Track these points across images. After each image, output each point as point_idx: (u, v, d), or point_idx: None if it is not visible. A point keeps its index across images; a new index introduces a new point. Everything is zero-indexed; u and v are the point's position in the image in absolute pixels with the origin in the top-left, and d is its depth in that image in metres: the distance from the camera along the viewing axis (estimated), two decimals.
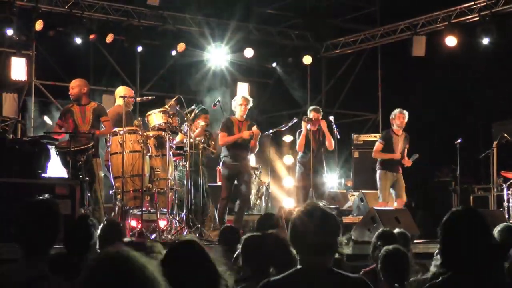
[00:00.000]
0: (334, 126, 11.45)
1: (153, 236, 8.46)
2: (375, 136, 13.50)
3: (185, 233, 8.58)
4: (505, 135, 11.93)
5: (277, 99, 15.04)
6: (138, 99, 9.47)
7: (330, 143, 10.77)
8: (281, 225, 9.07)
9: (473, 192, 12.54)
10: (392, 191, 10.93)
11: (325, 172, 10.98)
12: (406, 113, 10.92)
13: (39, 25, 12.36)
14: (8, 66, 12.80)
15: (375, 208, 10.10)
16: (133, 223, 9.11)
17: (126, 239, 5.08)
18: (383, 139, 11.02)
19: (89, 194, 8.43)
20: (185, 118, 9.12)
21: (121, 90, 9.83)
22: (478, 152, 12.37)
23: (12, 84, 13.00)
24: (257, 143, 10.00)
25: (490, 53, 12.97)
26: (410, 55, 13.70)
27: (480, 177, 13.02)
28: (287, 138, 13.98)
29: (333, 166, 13.44)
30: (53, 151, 8.43)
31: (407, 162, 10.96)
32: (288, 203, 12.87)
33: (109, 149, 8.68)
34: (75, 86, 8.99)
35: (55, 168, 8.72)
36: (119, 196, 8.51)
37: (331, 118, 11.70)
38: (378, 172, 10.96)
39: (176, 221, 8.88)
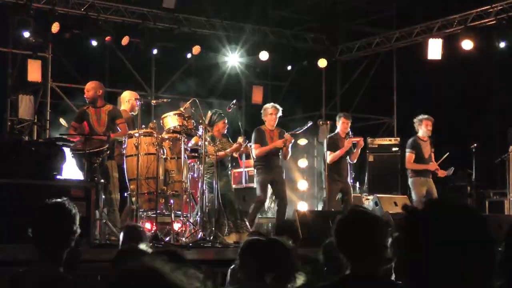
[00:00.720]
0: (349, 129, 11.44)
1: (168, 238, 8.48)
2: (390, 140, 13.48)
3: (199, 236, 8.60)
4: None
5: (292, 103, 15.02)
6: (154, 101, 9.52)
7: (355, 158, 10.96)
8: (295, 228, 9.11)
9: (489, 197, 12.49)
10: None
11: (349, 178, 11.05)
12: (431, 119, 10.88)
13: (55, 27, 12.44)
14: (24, 68, 12.88)
15: (390, 212, 10.08)
16: (148, 225, 9.14)
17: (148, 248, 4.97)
18: (412, 148, 10.92)
19: (103, 196, 8.46)
20: (200, 121, 9.13)
21: (126, 95, 9.89)
22: (494, 157, 12.32)
23: (28, 86, 13.09)
24: (290, 150, 10.18)
25: (507, 57, 12.91)
26: (426, 58, 13.66)
27: (496, 182, 12.95)
28: (302, 141, 13.98)
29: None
30: (68, 153, 8.48)
31: (441, 173, 10.92)
32: (302, 206, 12.88)
33: (124, 152, 8.71)
34: (91, 88, 9.04)
35: (70, 170, 8.77)
36: (134, 199, 8.54)
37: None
38: (411, 179, 10.91)
39: (191, 224, 8.90)
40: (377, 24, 15.51)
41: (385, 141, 13.57)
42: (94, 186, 8.00)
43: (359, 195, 13.11)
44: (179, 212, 8.95)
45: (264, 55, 14.60)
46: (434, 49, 13.54)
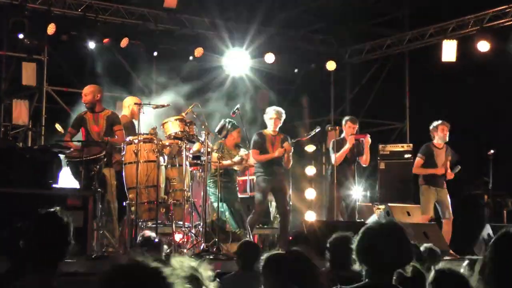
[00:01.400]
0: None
1: (168, 250, 8.47)
2: (402, 146, 13.47)
3: (201, 247, 8.59)
4: None
5: (299, 107, 15.03)
6: (154, 106, 9.51)
7: (367, 160, 10.83)
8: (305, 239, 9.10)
9: (507, 206, 12.43)
10: (438, 208, 10.86)
11: (353, 185, 10.97)
12: (448, 124, 10.87)
13: (51, 29, 12.45)
14: (19, 72, 12.90)
15: (402, 222, 10.06)
16: None
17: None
18: (423, 153, 10.93)
19: (101, 206, 8.46)
20: (202, 127, 9.14)
21: (128, 100, 9.93)
22: None
23: (23, 90, 13.11)
24: (291, 158, 10.16)
25: None
26: (440, 60, 13.64)
27: None
28: (310, 148, 13.97)
29: (357, 177, 13.39)
30: (64, 161, 8.48)
31: (449, 175, 10.90)
32: (310, 216, 12.85)
33: (123, 159, 8.71)
34: (89, 92, 9.05)
35: (67, 178, 8.77)
36: (133, 208, 8.53)
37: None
38: (421, 187, 10.91)
39: (193, 234, 8.89)
40: (389, 25, 15.49)
41: (397, 147, 13.55)
42: (91, 195, 8.00)
43: (370, 204, 13.09)
44: (181, 222, 8.95)
45: (270, 58, 14.60)
46: (449, 51, 13.52)
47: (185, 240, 8.91)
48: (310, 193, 13.71)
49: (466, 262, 5.41)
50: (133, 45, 13.51)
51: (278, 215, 10.36)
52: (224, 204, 9.66)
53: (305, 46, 15.54)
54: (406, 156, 13.34)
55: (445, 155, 10.94)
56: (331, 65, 15.27)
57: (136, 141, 8.58)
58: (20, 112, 12.88)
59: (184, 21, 13.98)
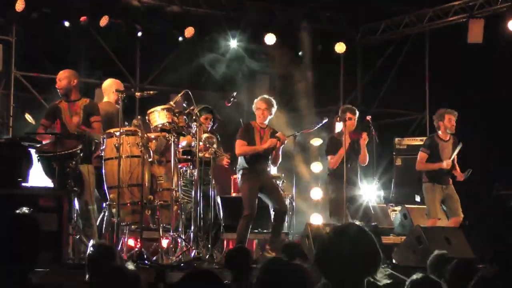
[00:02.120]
0: (372, 128, 11.45)
1: (155, 257, 8.50)
2: (421, 140, 13.47)
3: (192, 254, 8.62)
4: None
5: (303, 95, 15.04)
6: (138, 94, 9.50)
7: (364, 159, 10.79)
8: (307, 245, 9.14)
9: None
10: (444, 208, 10.91)
11: (360, 184, 10.96)
12: (455, 113, 10.89)
13: (19, 5, 12.44)
14: None
15: (422, 226, 10.11)
16: (131, 242, 9.17)
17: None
18: (427, 147, 11.00)
19: (77, 207, 8.48)
20: (194, 118, 9.15)
21: (111, 84, 9.88)
22: None
23: None
24: (279, 154, 10.11)
25: None
26: (465, 42, 13.66)
27: None
28: (316, 142, 14.00)
29: (370, 176, 13.43)
30: (35, 156, 8.50)
31: (459, 176, 10.93)
32: (316, 218, 12.89)
33: (102, 154, 8.72)
34: (63, 78, 9.06)
35: (38, 176, 8.79)
36: (114, 210, 8.55)
37: (369, 118, 11.70)
38: (424, 184, 10.95)
39: (182, 240, 8.92)
40: (407, 0, 15.49)
41: (416, 141, 13.57)
42: (66, 195, 8.03)
43: (384, 205, 13.12)
44: (169, 226, 8.97)
45: (270, 39, 14.61)
46: (475, 31, 13.55)
47: (174, 246, 8.93)
48: (316, 193, 13.75)
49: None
50: (114, 24, 13.51)
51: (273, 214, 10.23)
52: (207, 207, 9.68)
53: (310, 25, 15.54)
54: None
55: (452, 148, 10.95)
56: (340, 47, 15.29)
57: (117, 133, 8.59)
58: None
59: None
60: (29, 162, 8.36)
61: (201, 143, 9.41)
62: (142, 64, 14.81)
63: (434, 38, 15.30)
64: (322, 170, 14.16)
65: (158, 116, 8.92)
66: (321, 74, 15.80)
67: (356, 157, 10.74)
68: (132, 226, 8.91)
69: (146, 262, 8.13)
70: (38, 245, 3.52)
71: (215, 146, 9.89)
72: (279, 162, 10.32)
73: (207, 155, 9.70)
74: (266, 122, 10.13)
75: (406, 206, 12.18)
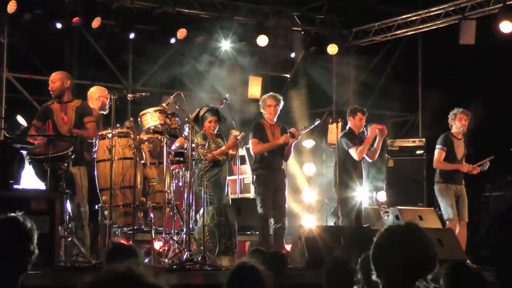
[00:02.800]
0: (364, 129, 11.45)
1: (147, 259, 8.48)
2: (413, 141, 13.51)
3: (184, 256, 8.61)
4: None
5: (296, 97, 15.05)
6: (130, 95, 9.50)
7: (376, 155, 10.95)
8: (300, 247, 9.14)
9: None
10: None
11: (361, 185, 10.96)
12: (469, 113, 10.92)
13: (11, 6, 12.40)
14: None
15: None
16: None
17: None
18: (443, 144, 10.92)
19: (70, 210, 8.46)
20: (186, 119, 9.14)
21: (95, 91, 9.91)
22: None
23: None
24: (291, 150, 10.34)
25: None
26: (457, 43, 13.68)
27: None
28: (308, 143, 14.00)
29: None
30: (26, 158, 8.47)
31: (476, 170, 10.93)
32: (308, 220, 12.89)
33: (94, 156, 8.71)
34: (57, 79, 9.04)
35: (30, 178, 8.76)
36: (106, 212, 8.54)
37: None
38: (438, 185, 10.89)
39: (175, 242, 8.91)
40: (399, 3, 15.51)
41: (408, 142, 13.59)
42: (58, 198, 8.00)
43: (376, 207, 13.14)
44: (161, 228, 8.96)
45: (262, 40, 14.61)
46: (467, 32, 13.56)
47: (167, 248, 8.92)
48: (309, 195, 13.75)
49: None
50: (106, 25, 13.50)
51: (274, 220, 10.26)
52: (215, 209, 9.63)
53: (303, 27, 15.55)
54: (418, 152, 13.38)
55: (464, 147, 10.99)
56: (333, 49, 15.30)
57: (110, 135, 8.58)
58: None
59: None
60: (21, 164, 8.33)
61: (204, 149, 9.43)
62: (134, 65, 14.80)
63: (427, 39, 15.34)
64: (314, 172, 14.17)
65: (151, 118, 8.91)
66: (314, 75, 15.82)
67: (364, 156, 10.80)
68: (125, 228, 8.91)
69: None
70: (31, 248, 3.51)
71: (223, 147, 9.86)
72: (290, 157, 10.51)
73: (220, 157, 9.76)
74: (275, 119, 10.22)
75: (398, 207, 12.17)
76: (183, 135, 9.35)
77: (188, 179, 9.27)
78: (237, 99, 13.90)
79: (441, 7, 14.45)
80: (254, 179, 10.28)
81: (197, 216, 9.45)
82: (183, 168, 9.70)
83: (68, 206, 8.42)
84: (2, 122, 12.96)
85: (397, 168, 13.39)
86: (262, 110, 10.37)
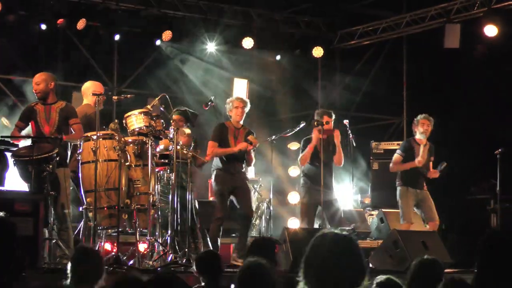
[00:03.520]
0: (349, 132, 11.49)
1: (131, 262, 8.47)
2: (398, 144, 13.50)
3: (169, 258, 8.60)
4: None
5: (282, 99, 15.07)
6: (115, 97, 9.48)
7: (340, 160, 10.76)
8: (284, 250, 9.14)
9: None
10: (419, 212, 10.97)
11: (334, 187, 10.97)
12: (431, 119, 10.97)
13: None
14: None
15: (398, 230, 10.13)
16: (108, 246, 9.12)
17: None
18: (402, 150, 11.11)
19: (53, 211, 8.43)
20: (171, 121, 9.14)
21: (89, 86, 9.87)
22: None
23: None
24: (252, 156, 10.20)
25: None
26: (442, 47, 13.73)
27: None
28: (293, 146, 14.00)
29: (347, 179, 13.46)
30: (11, 160, 8.44)
31: (434, 173, 11.01)
32: (294, 223, 12.90)
33: (79, 158, 8.69)
34: (41, 81, 9.01)
35: (14, 180, 8.73)
36: (91, 214, 8.52)
37: (346, 122, 11.73)
38: (398, 188, 11.02)
39: (159, 244, 8.90)
40: (384, 6, 15.55)
41: (393, 145, 13.61)
42: (42, 199, 7.97)
43: (361, 210, 13.16)
44: (146, 231, 8.95)
45: (248, 42, 14.61)
46: (452, 35, 13.61)
47: (151, 250, 8.89)
48: (294, 197, 13.76)
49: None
50: (91, 27, 13.47)
51: (257, 222, 10.31)
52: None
53: (289, 30, 15.57)
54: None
55: (428, 153, 11.03)
56: (318, 51, 15.32)
57: (94, 137, 8.56)
58: None
59: (150, 0, 13.96)
60: (5, 166, 8.31)
61: (184, 147, 9.43)
62: (119, 67, 14.77)
63: (412, 43, 15.38)
64: (299, 175, 14.17)
65: (136, 120, 8.90)
66: (299, 78, 15.84)
67: (332, 158, 10.73)
68: (109, 230, 8.88)
69: (124, 266, 8.09)
70: (12, 250, 3.49)
71: (191, 148, 9.86)
72: (253, 162, 10.40)
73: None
74: (241, 121, 10.16)
75: (383, 210, 12.21)
76: (168, 137, 9.35)
77: (172, 181, 9.25)
78: (222, 102, 13.88)
79: (427, 9, 14.50)
80: (212, 180, 10.20)
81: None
82: (168, 170, 9.68)
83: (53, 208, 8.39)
84: None
85: (381, 171, 13.41)
86: (228, 112, 10.24)
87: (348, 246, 3.23)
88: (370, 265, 9.67)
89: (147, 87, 14.43)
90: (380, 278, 4.10)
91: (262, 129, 12.28)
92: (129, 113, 8.99)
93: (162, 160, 9.52)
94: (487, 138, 13.09)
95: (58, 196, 8.53)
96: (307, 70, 15.96)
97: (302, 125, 11.04)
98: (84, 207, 8.65)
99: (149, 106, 9.20)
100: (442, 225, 11.73)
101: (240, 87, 14.95)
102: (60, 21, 13.01)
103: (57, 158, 8.39)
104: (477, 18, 13.62)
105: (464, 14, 13.93)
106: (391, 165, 11.16)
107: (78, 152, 8.72)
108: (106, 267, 6.05)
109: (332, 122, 10.75)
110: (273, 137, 11.06)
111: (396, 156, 11.13)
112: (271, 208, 11.75)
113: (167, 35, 13.86)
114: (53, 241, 8.24)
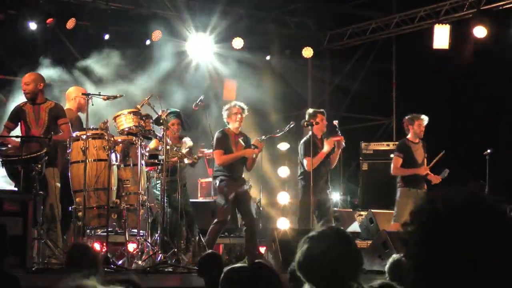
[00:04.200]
0: (339, 132, 11.48)
1: (121, 262, 8.46)
2: (387, 145, 13.57)
3: (158, 258, 8.60)
4: None
5: (271, 99, 15.08)
6: (104, 97, 9.49)
7: (334, 162, 10.90)
8: (274, 249, 9.16)
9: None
10: None
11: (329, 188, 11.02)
12: (425, 118, 11.00)
13: None
14: None
15: (387, 231, 10.16)
16: (97, 246, 9.12)
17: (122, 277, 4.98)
18: (400, 151, 11.07)
19: (42, 211, 8.42)
20: (161, 121, 9.14)
21: (73, 91, 9.90)
22: None
23: None
24: (255, 160, 10.34)
25: None
26: (431, 48, 13.76)
27: None
28: (283, 146, 14.02)
29: (336, 180, 13.48)
30: None
31: (435, 179, 11.03)
32: (283, 223, 12.91)
33: (68, 157, 8.68)
34: (30, 81, 9.00)
35: (3, 180, 8.72)
36: (80, 214, 8.51)
37: (336, 122, 11.72)
38: (400, 189, 11.02)
39: (149, 244, 8.90)
40: (374, 6, 15.59)
41: (382, 146, 13.65)
42: (31, 199, 7.96)
43: (350, 210, 13.18)
44: (135, 230, 8.95)
45: (238, 43, 14.62)
46: (441, 36, 13.65)
47: (140, 250, 8.89)
48: (283, 197, 13.77)
49: None
50: (81, 26, 13.44)
51: (244, 225, 10.35)
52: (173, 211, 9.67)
53: (279, 30, 15.58)
54: (392, 155, 13.44)
55: (423, 151, 11.08)
56: (308, 52, 15.33)
57: (84, 136, 8.56)
58: None
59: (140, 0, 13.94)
60: None
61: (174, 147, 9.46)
62: (108, 66, 14.70)
63: (401, 43, 15.42)
64: (289, 175, 14.19)
65: (125, 119, 8.90)
66: (289, 78, 15.85)
67: (330, 161, 10.82)
68: (98, 230, 8.88)
69: (112, 266, 8.09)
70: (3, 250, 3.50)
71: (183, 151, 9.87)
72: (253, 167, 10.50)
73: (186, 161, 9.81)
74: (240, 127, 10.24)
75: (372, 210, 12.24)
76: (157, 137, 9.36)
77: (162, 181, 9.26)
78: (212, 102, 13.88)
79: (416, 10, 14.53)
80: (217, 185, 10.25)
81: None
82: (157, 170, 9.68)
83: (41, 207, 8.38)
84: None
85: (371, 171, 13.45)
86: (226, 119, 10.26)
87: (346, 242, 3.26)
88: None
89: (136, 87, 14.38)
90: (376, 283, 4.10)
91: (251, 129, 12.28)
92: (118, 113, 9.00)
93: (152, 160, 9.53)
94: (476, 139, 13.14)
95: (47, 196, 8.52)
96: (297, 70, 15.96)
97: (291, 125, 11.06)
98: (73, 206, 8.64)
99: (138, 106, 9.20)
100: None
101: (230, 88, 14.95)
102: (49, 20, 12.99)
103: (46, 158, 8.38)
104: (467, 19, 13.67)
105: (453, 15, 13.98)
106: (392, 169, 11.14)
107: (67, 151, 8.71)
108: None
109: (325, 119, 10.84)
110: (263, 137, 11.06)
111: (396, 159, 11.09)
112: (261, 208, 11.77)
113: (156, 35, 13.84)
114: (42, 241, 8.23)
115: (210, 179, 12.19)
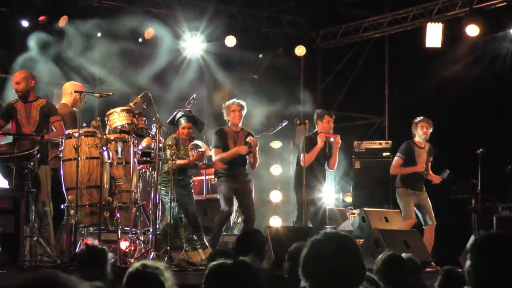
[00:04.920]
0: (331, 130, 11.49)
1: (113, 260, 8.45)
2: (380, 143, 13.60)
3: (151, 256, 8.60)
4: None
5: (264, 98, 15.06)
6: (97, 95, 9.48)
7: (334, 164, 10.98)
8: (267, 248, 9.16)
9: (497, 212, 12.60)
10: (417, 213, 11.03)
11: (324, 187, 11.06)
12: (430, 121, 11.04)
13: None
14: None
15: (380, 229, 10.18)
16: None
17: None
18: (403, 152, 11.13)
19: (34, 209, 8.41)
20: (154, 119, 9.13)
21: (69, 86, 9.88)
22: (504, 164, 12.45)
23: None
24: (257, 157, 10.31)
25: None
26: (424, 46, 13.78)
27: (506, 194, 13.07)
28: (275, 145, 14.02)
29: (329, 178, 13.48)
30: None
31: (435, 179, 11.08)
32: (275, 221, 12.92)
33: (61, 155, 8.67)
34: (21, 79, 8.99)
35: None
36: (72, 212, 8.50)
37: None
38: (397, 190, 11.08)
39: (141, 242, 8.90)
40: (366, 5, 15.59)
41: (375, 144, 13.68)
42: (23, 197, 7.96)
43: (343, 208, 13.19)
44: (127, 228, 8.94)
45: (230, 41, 14.61)
46: (434, 35, 13.66)
47: (133, 248, 8.90)
48: (276, 196, 13.79)
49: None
50: (73, 24, 13.40)
51: (238, 221, 10.39)
52: (177, 206, 9.66)
53: (271, 28, 15.58)
54: (385, 154, 13.48)
55: (427, 155, 11.11)
56: (300, 50, 15.34)
57: (76, 134, 8.55)
58: None
59: None
60: None
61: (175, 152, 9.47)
62: (101, 64, 14.68)
63: (394, 42, 15.43)
64: (281, 173, 14.20)
65: (118, 117, 8.89)
66: (282, 77, 15.84)
67: (326, 160, 10.82)
68: (90, 228, 8.88)
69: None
70: None
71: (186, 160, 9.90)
72: (257, 164, 10.48)
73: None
74: (240, 124, 10.22)
75: (365, 209, 12.24)
76: (150, 135, 9.35)
77: (154, 179, 9.26)
78: (204, 100, 13.89)
79: (409, 9, 14.55)
80: (217, 183, 10.32)
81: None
82: (150, 168, 9.69)
83: (34, 205, 8.38)
84: None
85: (363, 170, 13.47)
86: (225, 117, 10.31)
87: (349, 245, 3.26)
88: None
89: (129, 85, 14.37)
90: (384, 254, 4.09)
91: (243, 128, 12.28)
92: (111, 111, 8.99)
93: (144, 158, 9.52)
94: (469, 137, 13.15)
95: (39, 194, 8.52)
96: (290, 69, 15.96)
97: (284, 124, 11.06)
98: (65, 204, 8.63)
99: (131, 104, 9.19)
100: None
101: (223, 85, 14.94)
102: (41, 18, 12.96)
103: (38, 156, 8.38)
104: (459, 18, 13.68)
105: (446, 14, 13.99)
106: (392, 167, 11.19)
107: (60, 149, 8.70)
108: None
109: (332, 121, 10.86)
110: (256, 136, 11.08)
111: (396, 159, 11.17)
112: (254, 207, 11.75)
113: (149, 33, 13.83)
114: (34, 239, 8.22)
115: (203, 177, 12.20)
